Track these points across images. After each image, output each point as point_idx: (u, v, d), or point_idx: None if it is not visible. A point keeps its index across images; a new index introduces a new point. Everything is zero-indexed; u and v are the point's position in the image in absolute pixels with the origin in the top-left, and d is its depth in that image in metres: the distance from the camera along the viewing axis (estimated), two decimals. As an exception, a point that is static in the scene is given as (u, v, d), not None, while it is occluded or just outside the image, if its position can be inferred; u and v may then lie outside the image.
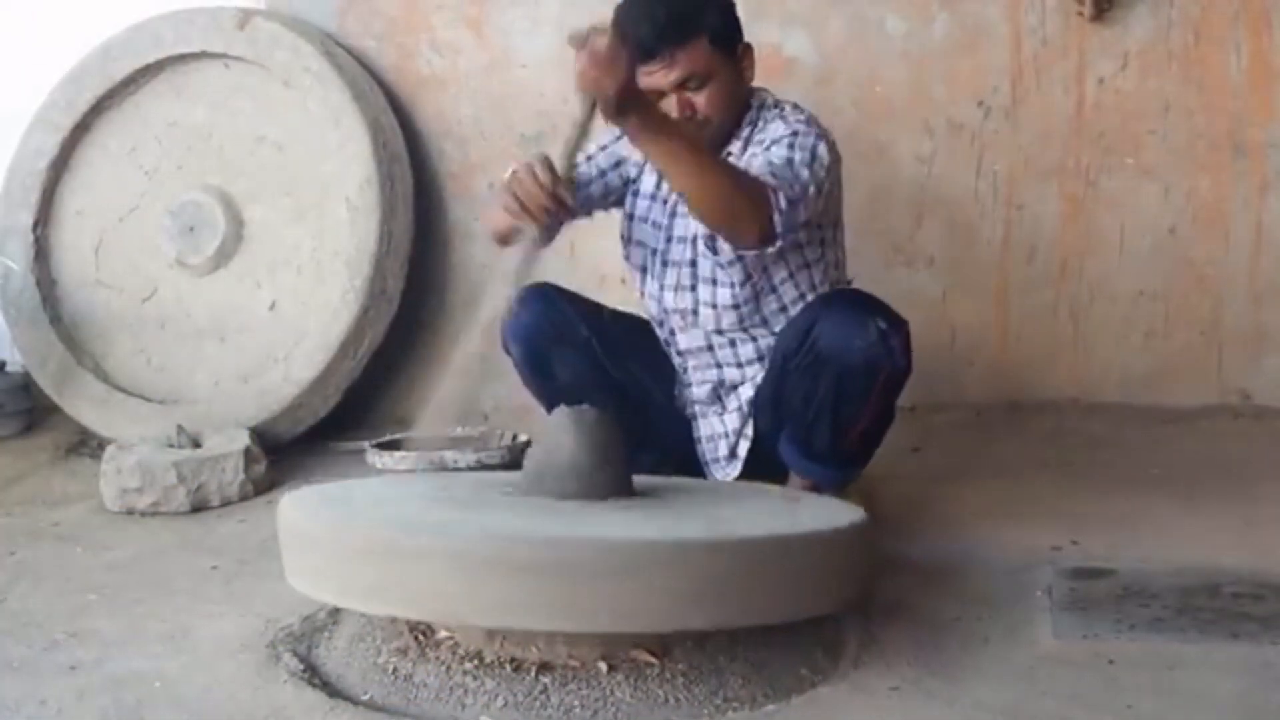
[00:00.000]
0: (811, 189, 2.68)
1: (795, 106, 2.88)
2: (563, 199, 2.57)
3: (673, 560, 2.09)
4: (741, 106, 2.87)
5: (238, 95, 4.13)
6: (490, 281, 2.66)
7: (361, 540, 2.15)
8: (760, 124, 2.85)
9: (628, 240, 3.02)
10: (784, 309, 2.89)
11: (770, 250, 2.65)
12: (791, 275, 2.88)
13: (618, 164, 2.99)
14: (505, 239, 2.74)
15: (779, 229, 2.60)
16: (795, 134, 2.74)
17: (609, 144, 2.98)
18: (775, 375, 2.84)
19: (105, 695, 2.27)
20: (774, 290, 2.89)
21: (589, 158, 2.95)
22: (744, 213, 2.58)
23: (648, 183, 2.97)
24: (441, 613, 2.17)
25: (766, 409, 2.90)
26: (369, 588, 2.14)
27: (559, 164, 2.57)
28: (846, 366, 2.68)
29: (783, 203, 2.60)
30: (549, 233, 2.66)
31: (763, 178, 2.63)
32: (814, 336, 2.71)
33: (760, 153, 2.73)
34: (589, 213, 3.00)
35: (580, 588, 2.05)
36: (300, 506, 2.32)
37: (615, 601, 2.05)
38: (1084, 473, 3.49)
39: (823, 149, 2.74)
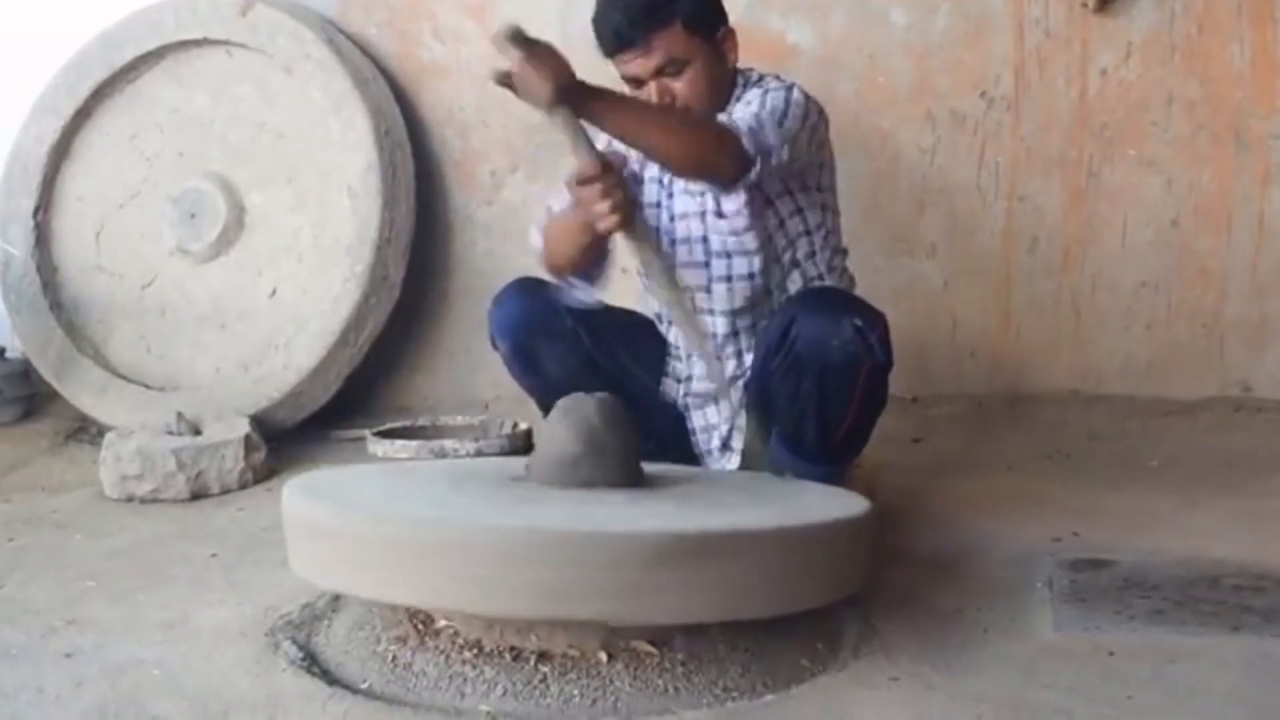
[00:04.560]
0: (780, 122, 2.69)
1: (776, 77, 2.85)
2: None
3: (683, 553, 2.07)
4: (727, 89, 2.85)
5: (239, 82, 4.13)
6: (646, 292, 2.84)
7: (370, 534, 2.14)
8: (742, 101, 2.84)
9: None
10: (782, 284, 2.89)
11: (753, 175, 2.64)
12: (792, 243, 2.89)
13: None
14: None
15: (750, 149, 2.62)
16: (765, 92, 2.76)
17: None
18: (758, 374, 2.83)
19: (103, 683, 2.27)
20: (779, 259, 2.89)
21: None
22: (711, 146, 2.61)
23: (651, 169, 2.96)
24: (462, 603, 2.16)
25: (753, 407, 2.89)
26: (379, 581, 2.13)
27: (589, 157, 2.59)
28: (826, 366, 2.67)
29: (743, 128, 2.63)
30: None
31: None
32: (792, 338, 2.69)
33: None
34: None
35: (593, 580, 2.04)
36: (305, 497, 2.31)
37: (619, 594, 2.05)
38: (1085, 464, 3.49)
39: (795, 95, 2.76)
